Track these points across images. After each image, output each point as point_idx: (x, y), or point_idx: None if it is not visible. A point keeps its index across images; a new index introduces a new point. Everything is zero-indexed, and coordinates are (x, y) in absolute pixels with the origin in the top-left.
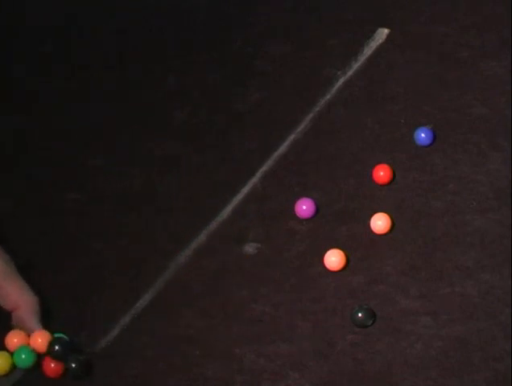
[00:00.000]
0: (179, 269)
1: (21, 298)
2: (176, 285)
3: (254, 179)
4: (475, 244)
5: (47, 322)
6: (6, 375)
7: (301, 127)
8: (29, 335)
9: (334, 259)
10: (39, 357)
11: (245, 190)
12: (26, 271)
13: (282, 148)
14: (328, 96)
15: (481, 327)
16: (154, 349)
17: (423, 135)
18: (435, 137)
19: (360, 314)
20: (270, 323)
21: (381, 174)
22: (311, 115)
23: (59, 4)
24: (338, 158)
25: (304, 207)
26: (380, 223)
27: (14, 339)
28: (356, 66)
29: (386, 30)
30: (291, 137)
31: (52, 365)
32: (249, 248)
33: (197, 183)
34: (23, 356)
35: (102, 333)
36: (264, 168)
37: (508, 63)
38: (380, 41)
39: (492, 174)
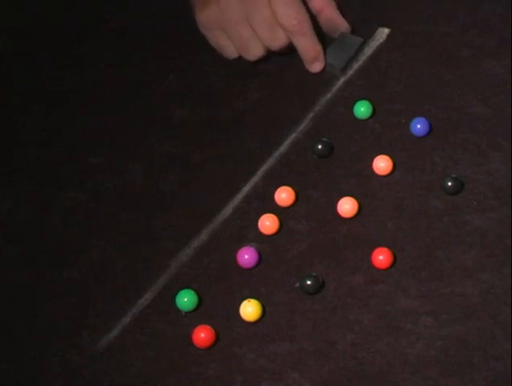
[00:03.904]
0: (180, 268)
1: (323, 0)
2: (177, 285)
3: (255, 178)
4: (475, 244)
5: (47, 320)
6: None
7: (302, 126)
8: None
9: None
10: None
11: (246, 189)
12: None
13: (283, 147)
14: (328, 96)
15: (481, 327)
16: (155, 349)
17: (418, 126)
18: (431, 128)
19: (308, 282)
20: (270, 323)
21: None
22: (311, 114)
23: (59, 4)
24: (338, 157)
25: (246, 257)
26: None
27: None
28: (356, 66)
29: (386, 30)
30: (292, 136)
31: (202, 335)
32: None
33: (198, 182)
34: (185, 299)
35: (103, 332)
36: (265, 167)
37: (508, 63)
38: (380, 41)
39: (492, 174)
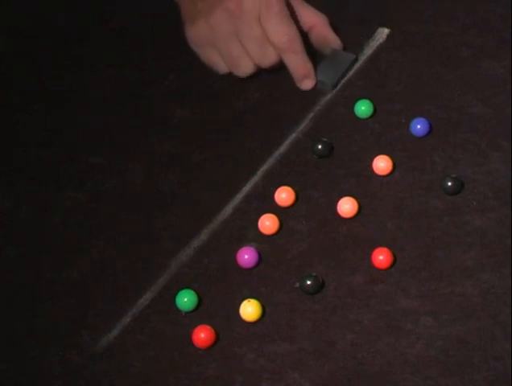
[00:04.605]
0: (180, 268)
1: (315, 17)
2: (177, 285)
3: (255, 178)
4: (475, 244)
5: (47, 320)
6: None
7: (302, 126)
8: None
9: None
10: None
11: (246, 189)
12: None
13: (283, 147)
14: (328, 96)
15: (481, 327)
16: (155, 349)
17: (418, 126)
18: (431, 128)
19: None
20: (270, 323)
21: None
22: (311, 114)
23: (59, 4)
24: (338, 157)
25: (246, 257)
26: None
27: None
28: (356, 66)
29: (386, 30)
30: (292, 136)
31: (202, 335)
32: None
33: (198, 182)
34: (185, 299)
35: (103, 332)
36: (265, 167)
37: (508, 63)
38: (380, 41)
39: (492, 174)
